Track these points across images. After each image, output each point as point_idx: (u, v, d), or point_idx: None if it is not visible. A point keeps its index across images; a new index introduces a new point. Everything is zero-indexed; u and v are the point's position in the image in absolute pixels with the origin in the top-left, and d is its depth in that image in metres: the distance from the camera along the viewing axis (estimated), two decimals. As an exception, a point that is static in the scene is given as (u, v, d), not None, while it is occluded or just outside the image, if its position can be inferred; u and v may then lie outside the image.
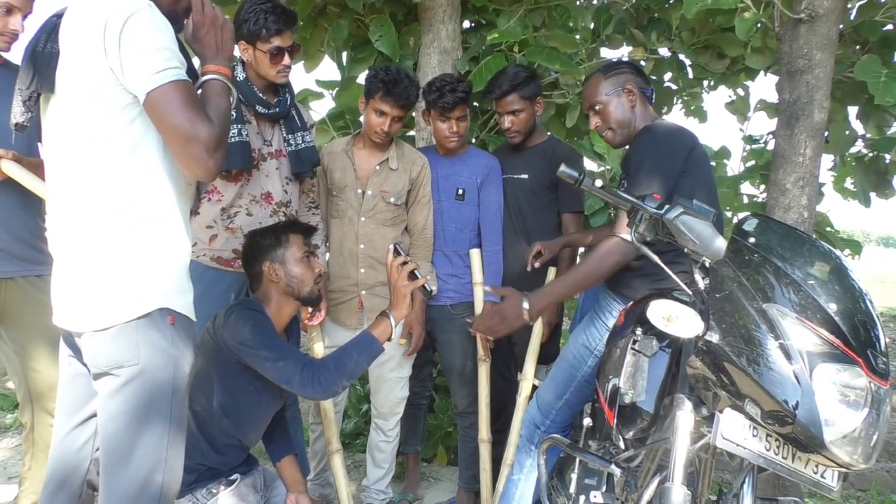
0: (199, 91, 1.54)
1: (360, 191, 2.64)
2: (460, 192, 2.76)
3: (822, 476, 1.38)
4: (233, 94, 1.58)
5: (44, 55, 1.50)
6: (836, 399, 1.28)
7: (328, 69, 21.86)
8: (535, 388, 2.57)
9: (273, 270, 2.12)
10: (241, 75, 2.39)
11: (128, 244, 1.49)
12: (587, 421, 2.10)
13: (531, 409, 2.41)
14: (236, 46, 2.31)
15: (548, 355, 2.75)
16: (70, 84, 1.47)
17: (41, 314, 2.15)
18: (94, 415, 1.58)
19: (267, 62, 2.34)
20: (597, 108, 2.24)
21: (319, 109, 7.15)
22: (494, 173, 2.79)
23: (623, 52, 3.88)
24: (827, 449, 1.26)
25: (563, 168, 1.76)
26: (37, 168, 2.12)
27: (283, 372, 1.97)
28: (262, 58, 2.34)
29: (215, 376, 2.06)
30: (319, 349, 2.68)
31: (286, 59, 2.36)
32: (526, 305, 2.02)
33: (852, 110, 3.47)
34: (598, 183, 1.75)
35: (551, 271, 2.74)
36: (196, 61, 1.64)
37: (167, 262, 1.53)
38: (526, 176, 2.79)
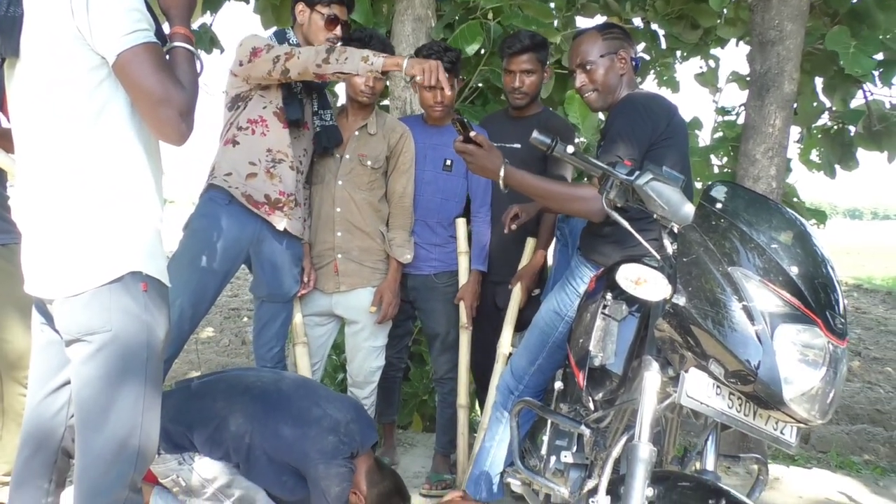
0: (167, 56, 1.52)
1: (338, 155, 2.66)
2: (448, 162, 2.75)
3: (781, 432, 1.43)
4: (199, 63, 1.56)
5: (7, 19, 1.46)
6: (796, 358, 1.32)
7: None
8: (511, 355, 2.60)
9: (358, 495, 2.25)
10: (294, 39, 2.48)
11: (98, 210, 1.47)
12: (558, 385, 2.15)
13: (505, 375, 2.45)
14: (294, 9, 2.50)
15: (527, 322, 2.77)
16: (35, 46, 1.45)
17: (8, 283, 2.12)
18: (68, 382, 1.58)
19: (320, 25, 2.44)
20: (588, 66, 2.19)
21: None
22: None
23: (597, 21, 3.88)
24: (786, 406, 1.31)
25: (535, 134, 1.75)
26: None
27: None
28: (318, 20, 2.44)
29: (272, 450, 2.18)
30: (298, 319, 2.69)
31: (338, 31, 2.47)
32: (502, 173, 1.99)
33: (819, 83, 3.52)
34: (570, 150, 1.75)
35: (530, 241, 2.76)
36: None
37: (138, 227, 1.52)
38: (518, 145, 2.76)
